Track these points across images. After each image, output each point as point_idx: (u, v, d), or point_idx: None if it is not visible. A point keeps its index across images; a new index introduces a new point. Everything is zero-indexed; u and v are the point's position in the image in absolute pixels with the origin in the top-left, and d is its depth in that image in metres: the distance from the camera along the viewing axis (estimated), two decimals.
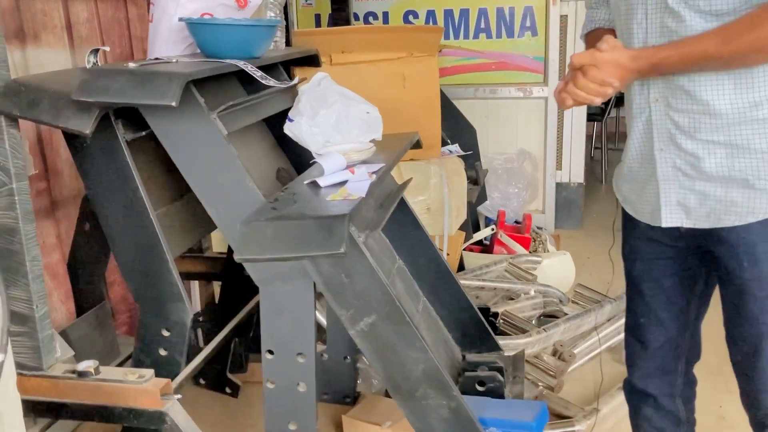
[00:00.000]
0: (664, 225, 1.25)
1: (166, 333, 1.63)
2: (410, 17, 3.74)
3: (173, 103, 1.24)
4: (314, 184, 1.44)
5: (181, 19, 1.56)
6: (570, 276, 2.90)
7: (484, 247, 3.20)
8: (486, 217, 3.48)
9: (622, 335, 2.42)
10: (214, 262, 2.28)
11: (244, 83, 1.88)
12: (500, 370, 1.74)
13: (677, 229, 1.26)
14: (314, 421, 1.60)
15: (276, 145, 2.02)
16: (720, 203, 1.19)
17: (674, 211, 1.24)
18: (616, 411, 2.05)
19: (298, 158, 2.02)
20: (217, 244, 2.47)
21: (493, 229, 3.11)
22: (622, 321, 2.40)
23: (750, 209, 1.17)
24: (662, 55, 1.13)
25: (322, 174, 1.52)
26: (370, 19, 3.80)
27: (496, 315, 2.18)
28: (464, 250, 2.97)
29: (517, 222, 3.48)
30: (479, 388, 1.73)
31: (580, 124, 3.74)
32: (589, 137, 4.84)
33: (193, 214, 1.95)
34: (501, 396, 1.70)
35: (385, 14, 3.77)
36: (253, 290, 2.18)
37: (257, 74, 1.52)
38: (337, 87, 1.84)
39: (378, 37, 2.22)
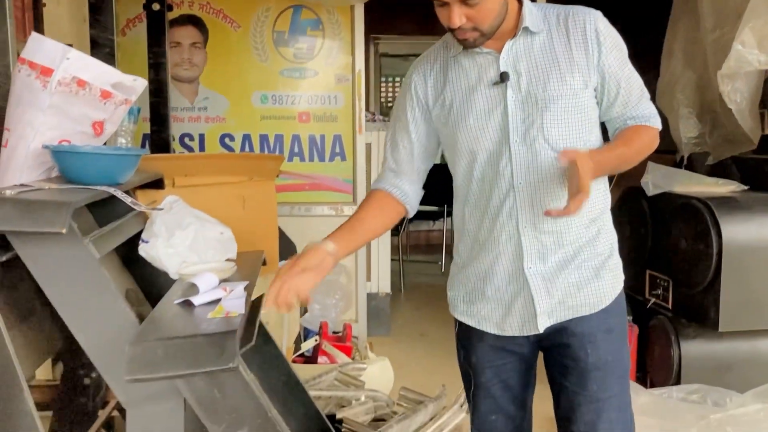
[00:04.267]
0: (540, 330, 1.50)
1: None
2: (226, 140, 3.92)
3: (63, 231, 1.27)
4: (187, 304, 1.51)
5: (46, 147, 1.59)
6: (390, 380, 3.11)
7: (306, 358, 3.32)
8: (305, 328, 3.62)
9: (446, 431, 2.65)
10: (42, 391, 2.15)
11: (90, 206, 1.90)
12: None
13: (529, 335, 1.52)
14: None
15: (122, 266, 2.03)
16: (578, 300, 1.49)
17: (546, 318, 1.50)
18: None
19: (143, 279, 2.05)
20: (40, 372, 2.33)
21: (316, 340, 3.26)
22: (444, 419, 2.65)
23: (599, 300, 1.50)
24: (607, 156, 1.44)
25: (187, 294, 1.59)
26: (186, 140, 3.92)
27: (341, 421, 2.30)
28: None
29: (335, 332, 3.66)
30: None
31: (385, 238, 4.11)
32: None
33: (36, 338, 1.88)
34: None
35: (201, 136, 3.92)
36: (88, 419, 2.11)
37: (128, 200, 1.59)
38: (191, 209, 1.94)
39: (221, 162, 2.36)
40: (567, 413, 1.54)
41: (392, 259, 6.11)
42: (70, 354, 2.09)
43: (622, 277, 1.58)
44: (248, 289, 1.59)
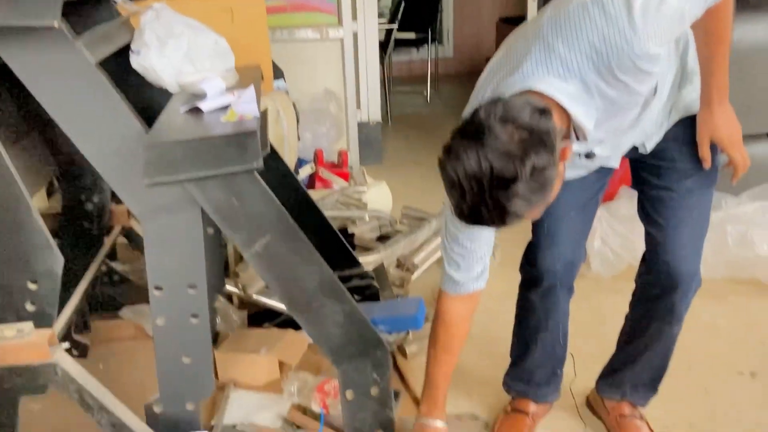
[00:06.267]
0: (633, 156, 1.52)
1: (32, 286, 1.51)
2: None
3: (55, 25, 1.15)
4: (196, 110, 1.42)
5: None
6: (389, 202, 3.11)
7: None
8: (298, 158, 3.56)
9: None
10: (43, 219, 2.09)
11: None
12: (372, 279, 1.88)
13: None
14: (210, 352, 1.61)
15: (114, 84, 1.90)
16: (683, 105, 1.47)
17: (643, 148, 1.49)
18: None
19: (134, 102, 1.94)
20: (41, 199, 2.28)
21: (312, 168, 3.21)
22: None
23: (690, 108, 1.47)
24: (725, 83, 1.37)
25: (187, 103, 1.49)
26: None
27: (352, 235, 2.31)
28: None
29: (328, 161, 3.61)
30: (357, 298, 1.85)
31: (373, 66, 3.95)
32: None
33: (30, 162, 1.80)
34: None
35: None
36: (94, 246, 2.07)
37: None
38: (181, 16, 1.78)
39: None
40: (656, 209, 1.54)
41: None
42: (68, 179, 2.02)
43: None
44: (257, 90, 1.49)
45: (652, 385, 1.74)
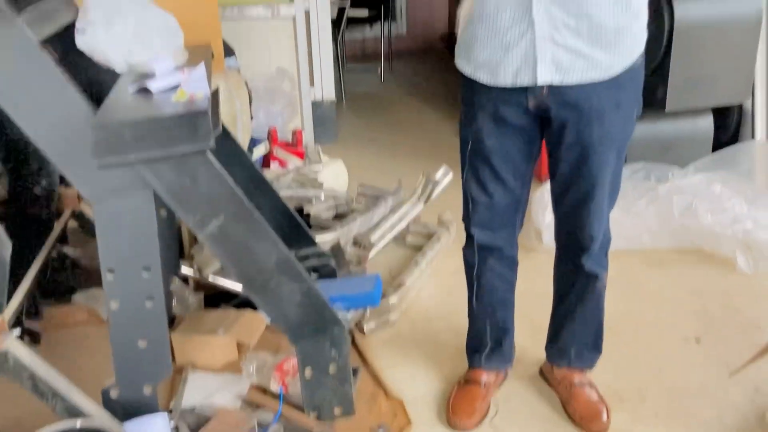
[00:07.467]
0: (539, 82, 1.41)
1: None
2: None
3: None
4: (145, 90, 1.40)
5: None
6: (345, 181, 3.12)
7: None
8: (252, 138, 3.52)
9: (405, 222, 2.71)
10: None
11: None
12: (329, 257, 1.88)
13: (529, 100, 1.46)
14: (166, 334, 1.60)
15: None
16: (587, 60, 1.40)
17: (548, 68, 1.40)
18: (415, 282, 2.34)
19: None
20: None
21: (267, 147, 3.18)
22: (404, 210, 2.70)
23: (609, 65, 1.41)
24: None
25: (135, 83, 1.46)
26: None
27: (308, 215, 2.30)
28: None
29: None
30: (314, 276, 1.85)
31: (326, 44, 3.91)
32: None
33: None
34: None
35: None
36: (44, 231, 2.03)
37: None
38: None
39: None
40: (565, 183, 1.57)
41: None
42: (14, 163, 1.97)
43: (642, 43, 1.47)
44: (207, 68, 1.48)
45: (594, 345, 1.81)
